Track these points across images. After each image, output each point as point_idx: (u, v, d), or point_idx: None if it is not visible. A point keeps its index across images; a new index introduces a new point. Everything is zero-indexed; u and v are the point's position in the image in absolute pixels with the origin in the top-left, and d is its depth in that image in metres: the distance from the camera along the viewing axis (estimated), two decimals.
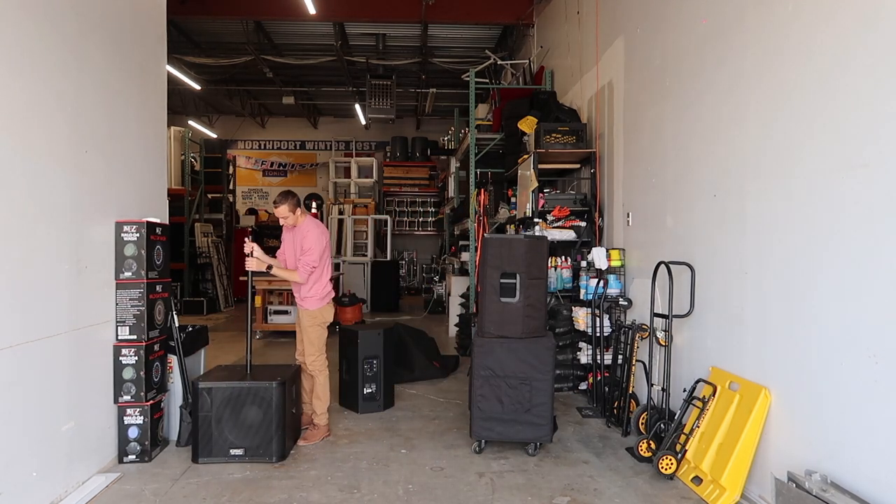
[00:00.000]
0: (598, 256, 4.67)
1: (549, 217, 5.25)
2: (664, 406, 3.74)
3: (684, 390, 3.56)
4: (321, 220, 12.59)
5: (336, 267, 10.85)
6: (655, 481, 3.33)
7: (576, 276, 5.22)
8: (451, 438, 4.07)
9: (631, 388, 4.16)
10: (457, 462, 3.64)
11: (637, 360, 4.16)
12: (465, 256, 8.44)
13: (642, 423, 3.86)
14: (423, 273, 14.43)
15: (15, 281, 2.70)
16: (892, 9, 2.25)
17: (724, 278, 3.35)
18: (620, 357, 4.38)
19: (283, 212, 3.97)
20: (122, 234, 3.53)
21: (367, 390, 4.61)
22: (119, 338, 3.53)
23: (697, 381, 3.44)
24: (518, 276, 3.67)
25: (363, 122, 13.71)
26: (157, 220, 3.77)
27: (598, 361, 4.58)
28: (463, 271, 8.62)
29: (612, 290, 4.67)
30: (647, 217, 4.39)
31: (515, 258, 3.68)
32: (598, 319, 4.58)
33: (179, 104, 13.21)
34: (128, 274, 3.53)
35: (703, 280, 3.55)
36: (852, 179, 2.42)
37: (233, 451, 3.55)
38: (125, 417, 3.54)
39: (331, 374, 4.16)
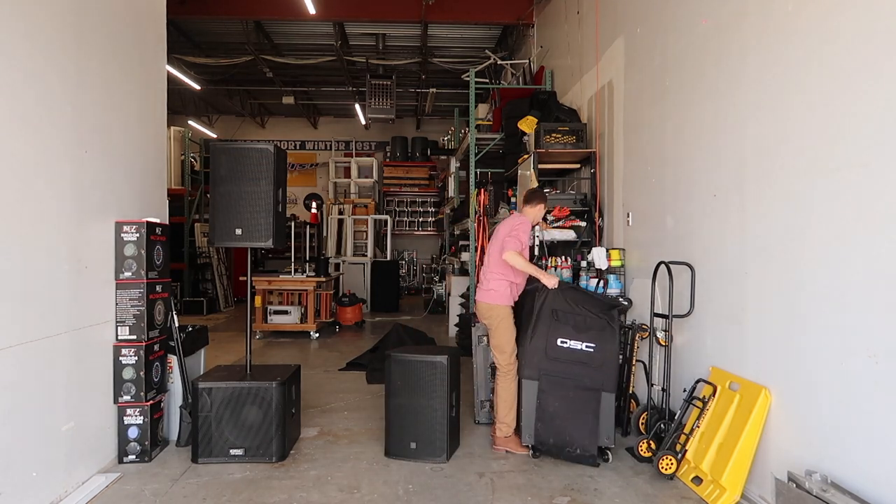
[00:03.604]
0: (598, 256, 4.66)
1: (549, 217, 5.25)
2: (664, 406, 3.74)
3: (684, 390, 3.56)
4: (321, 219, 12.70)
5: (336, 267, 10.85)
6: (655, 481, 3.33)
7: (576, 276, 5.22)
8: None
9: (631, 388, 4.16)
10: (457, 462, 3.64)
11: (637, 360, 4.16)
12: (465, 256, 8.42)
13: (642, 423, 3.86)
14: (423, 273, 14.43)
15: (15, 281, 2.70)
16: (892, 8, 2.25)
17: (724, 278, 3.35)
18: (620, 357, 4.36)
19: None
20: (122, 234, 3.53)
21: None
22: (119, 338, 3.53)
23: (697, 381, 3.44)
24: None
25: (363, 122, 13.71)
26: (157, 220, 3.76)
27: None
28: (463, 271, 8.61)
29: (613, 290, 4.66)
30: (647, 217, 4.39)
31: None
32: None
33: (179, 104, 13.21)
34: (128, 274, 3.53)
35: (703, 280, 3.54)
36: (853, 179, 2.42)
37: (233, 452, 3.55)
38: (125, 417, 3.54)
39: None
